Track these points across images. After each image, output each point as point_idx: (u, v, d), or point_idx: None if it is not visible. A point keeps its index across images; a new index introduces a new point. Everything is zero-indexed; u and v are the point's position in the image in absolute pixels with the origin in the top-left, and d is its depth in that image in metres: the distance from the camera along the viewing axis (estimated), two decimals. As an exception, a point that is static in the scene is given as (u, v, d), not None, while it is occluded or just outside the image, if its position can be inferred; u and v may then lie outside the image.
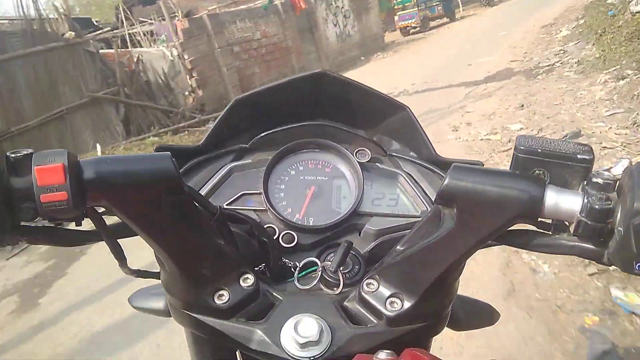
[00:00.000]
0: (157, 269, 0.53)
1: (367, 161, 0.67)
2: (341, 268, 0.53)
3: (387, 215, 0.62)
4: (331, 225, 0.60)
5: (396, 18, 18.61)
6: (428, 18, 18.44)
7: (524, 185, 0.41)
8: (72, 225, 0.47)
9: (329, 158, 0.67)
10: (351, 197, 0.64)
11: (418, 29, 18.25)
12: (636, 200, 0.37)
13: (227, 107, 0.64)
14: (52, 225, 0.45)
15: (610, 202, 0.40)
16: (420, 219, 0.53)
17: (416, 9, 18.09)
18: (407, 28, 18.64)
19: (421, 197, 0.63)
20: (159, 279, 0.54)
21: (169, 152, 0.45)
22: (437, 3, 18.79)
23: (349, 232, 0.61)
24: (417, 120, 0.64)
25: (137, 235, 0.46)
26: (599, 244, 0.41)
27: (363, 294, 0.49)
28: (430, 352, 0.49)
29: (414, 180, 0.65)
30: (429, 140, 0.64)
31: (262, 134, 0.67)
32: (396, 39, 18.27)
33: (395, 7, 18.99)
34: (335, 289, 0.52)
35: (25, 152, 0.41)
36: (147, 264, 0.58)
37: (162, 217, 0.44)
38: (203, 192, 0.63)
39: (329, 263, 0.53)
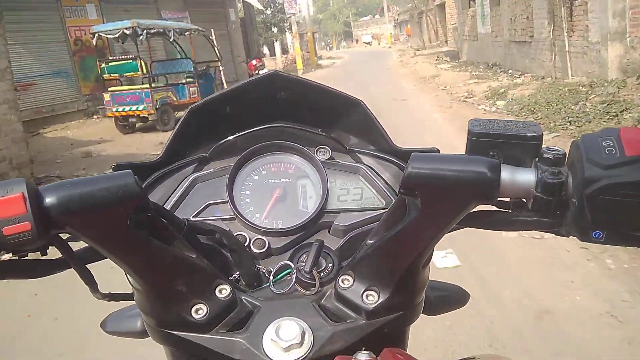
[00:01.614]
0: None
1: (328, 158, 0.66)
2: (315, 268, 0.52)
3: (353, 210, 0.62)
4: (300, 226, 0.60)
5: (107, 97, 9.28)
6: (171, 105, 9.66)
7: (480, 167, 0.42)
8: (37, 255, 0.45)
9: (291, 159, 0.66)
10: (317, 196, 0.63)
11: (151, 122, 9.30)
12: (586, 171, 0.39)
13: (182, 117, 0.62)
14: (16, 257, 0.43)
15: (562, 176, 0.41)
16: (386, 210, 0.56)
17: (147, 86, 9.15)
18: (130, 119, 9.48)
19: (384, 189, 0.63)
20: (133, 301, 0.52)
21: (130, 170, 0.44)
22: (190, 80, 10.27)
23: (318, 231, 0.61)
24: (373, 114, 0.63)
25: (106, 258, 0.46)
26: (556, 217, 0.43)
27: (339, 290, 0.49)
28: (408, 350, 0.53)
29: (376, 172, 0.65)
30: (386, 132, 0.64)
31: (221, 142, 0.66)
32: (111, 138, 8.96)
33: (106, 77, 9.64)
34: (311, 289, 0.52)
35: None
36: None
37: (129, 237, 0.43)
38: (167, 205, 0.61)
39: (303, 264, 0.53)
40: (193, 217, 0.61)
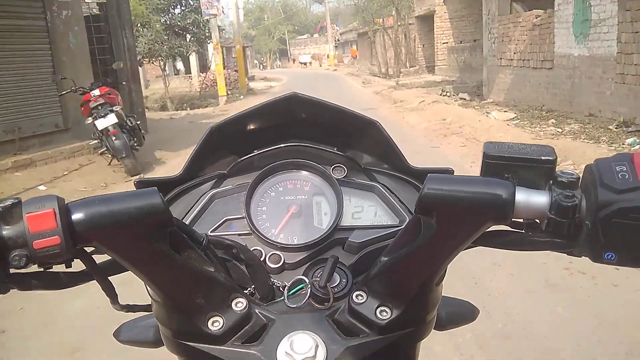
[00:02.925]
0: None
1: (344, 177, 0.67)
2: (329, 283, 0.53)
3: (367, 227, 0.63)
4: (315, 242, 0.61)
5: None
6: None
7: (495, 189, 0.43)
8: (61, 268, 0.47)
9: (307, 177, 0.68)
10: (331, 213, 0.64)
11: None
12: (599, 195, 0.40)
13: (203, 136, 0.64)
14: (42, 270, 0.45)
15: (575, 199, 0.43)
16: (399, 228, 0.59)
17: None
18: None
19: (399, 207, 0.64)
20: (150, 312, 0.54)
21: (155, 187, 0.45)
22: None
23: (332, 247, 0.62)
24: (388, 134, 0.64)
25: (128, 271, 0.47)
26: (569, 238, 0.44)
27: (353, 306, 0.50)
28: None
29: (390, 191, 0.66)
30: (401, 152, 0.65)
31: (240, 159, 0.68)
32: None
33: None
34: (325, 303, 0.52)
35: (13, 201, 0.42)
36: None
37: (152, 251, 0.45)
38: (186, 220, 0.63)
39: (317, 279, 0.54)
40: (211, 231, 0.62)
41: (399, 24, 21.34)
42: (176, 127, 10.26)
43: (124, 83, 7.09)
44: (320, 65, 48.88)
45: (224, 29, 21.02)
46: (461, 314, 0.70)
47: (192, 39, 18.95)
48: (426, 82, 15.71)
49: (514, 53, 10.09)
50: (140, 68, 18.45)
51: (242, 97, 17.97)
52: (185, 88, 22.11)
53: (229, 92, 19.15)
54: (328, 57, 47.54)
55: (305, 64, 52.39)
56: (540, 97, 9.05)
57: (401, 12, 21.20)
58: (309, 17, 67.36)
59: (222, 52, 19.54)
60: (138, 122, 6.15)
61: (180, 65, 26.10)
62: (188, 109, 17.53)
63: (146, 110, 10.40)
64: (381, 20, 23.44)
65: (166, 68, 23.95)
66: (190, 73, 24.12)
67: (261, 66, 55.90)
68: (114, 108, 5.47)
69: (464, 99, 11.38)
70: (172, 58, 17.09)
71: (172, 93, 21.30)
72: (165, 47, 16.67)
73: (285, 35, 59.00)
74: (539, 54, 9.08)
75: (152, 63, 17.49)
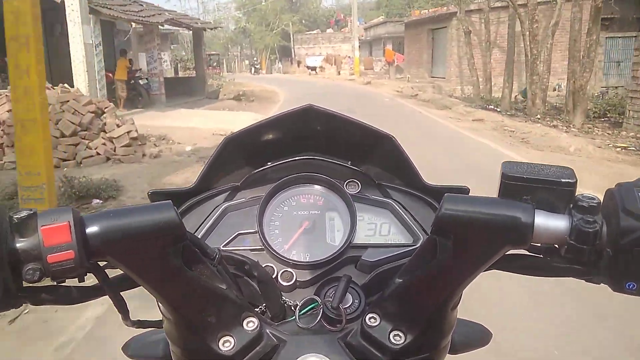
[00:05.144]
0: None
1: (357, 192, 0.67)
2: (341, 304, 0.53)
3: (381, 245, 0.63)
4: (327, 260, 0.60)
5: None
6: None
7: (514, 212, 0.42)
8: (73, 282, 0.47)
9: (321, 191, 0.67)
10: (344, 230, 0.64)
11: None
12: (621, 221, 0.39)
13: (217, 147, 0.63)
14: (55, 284, 0.45)
15: (596, 225, 0.41)
16: (414, 247, 0.58)
17: None
18: None
19: (413, 225, 0.64)
20: (161, 327, 0.54)
21: (170, 201, 0.45)
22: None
23: (345, 266, 0.61)
24: (403, 149, 0.64)
25: (140, 286, 0.47)
26: (589, 265, 0.43)
27: (365, 329, 0.49)
28: None
29: (405, 208, 0.65)
30: (416, 168, 0.65)
31: (253, 172, 0.68)
32: None
33: None
34: (337, 325, 0.52)
35: (28, 212, 0.41)
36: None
37: (166, 267, 0.44)
38: (199, 234, 0.63)
39: (330, 299, 0.53)
40: (223, 246, 0.62)
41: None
42: None
43: None
44: (339, 73, 33.53)
45: None
46: (474, 337, 0.68)
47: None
48: None
49: None
50: None
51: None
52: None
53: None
54: (350, 61, 32.43)
55: (314, 69, 36.88)
56: None
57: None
58: (319, 11, 52.22)
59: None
60: None
61: None
62: None
63: None
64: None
65: None
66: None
67: (253, 69, 40.52)
68: None
69: None
70: None
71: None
72: None
73: (289, 28, 43.63)
74: None
75: None
